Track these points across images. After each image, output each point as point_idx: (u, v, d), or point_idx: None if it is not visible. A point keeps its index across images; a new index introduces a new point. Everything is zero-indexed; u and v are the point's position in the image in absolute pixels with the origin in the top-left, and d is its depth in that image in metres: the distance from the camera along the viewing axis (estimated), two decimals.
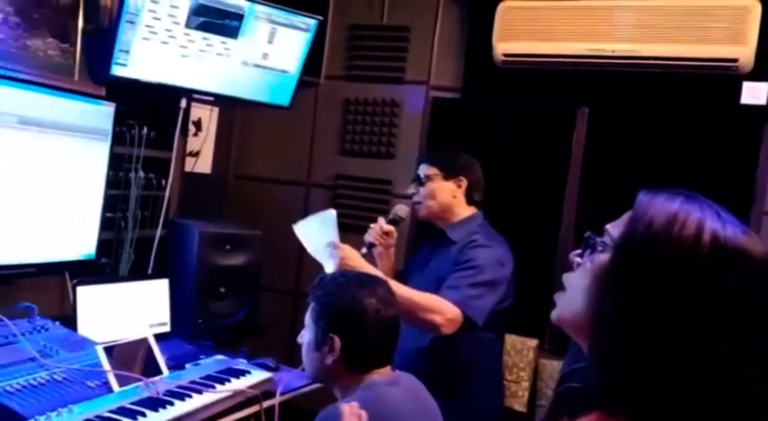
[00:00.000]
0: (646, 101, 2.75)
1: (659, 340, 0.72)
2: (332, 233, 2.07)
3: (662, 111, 2.74)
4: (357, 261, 2.01)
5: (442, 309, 1.96)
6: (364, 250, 2.20)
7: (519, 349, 2.81)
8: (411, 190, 2.27)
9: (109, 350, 1.88)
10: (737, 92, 2.60)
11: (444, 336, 1.99)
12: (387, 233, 2.23)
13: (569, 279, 0.88)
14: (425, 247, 2.38)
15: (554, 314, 0.89)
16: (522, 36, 2.81)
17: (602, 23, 2.70)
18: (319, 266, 3.27)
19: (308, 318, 1.50)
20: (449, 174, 2.21)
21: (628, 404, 0.73)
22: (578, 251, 0.90)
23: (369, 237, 2.23)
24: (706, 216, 0.75)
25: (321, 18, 2.66)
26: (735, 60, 2.53)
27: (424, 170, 2.24)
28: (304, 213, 3.38)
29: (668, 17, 2.61)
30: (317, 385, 2.20)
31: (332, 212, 2.15)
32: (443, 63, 3.10)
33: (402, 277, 2.29)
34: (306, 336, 1.49)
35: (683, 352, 0.72)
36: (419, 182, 2.24)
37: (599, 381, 0.76)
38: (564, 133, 2.87)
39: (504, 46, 2.83)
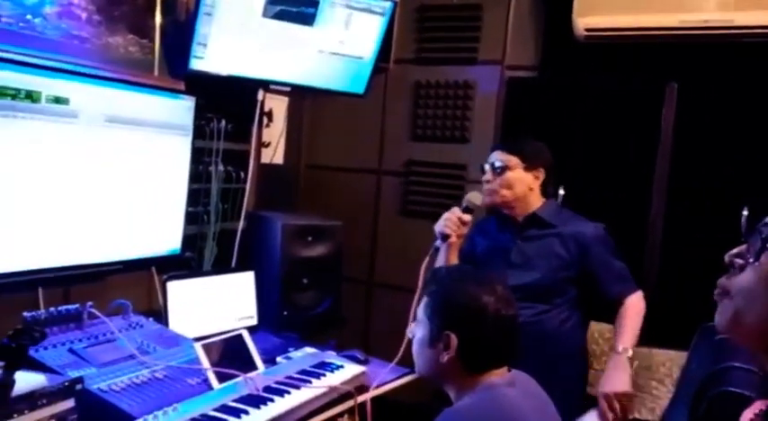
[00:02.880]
0: (740, 75, 2.58)
1: None
2: None
3: (759, 86, 2.57)
4: (618, 382, 2.01)
5: (636, 302, 2.12)
6: (438, 243, 2.13)
7: (607, 338, 2.71)
8: (487, 177, 2.18)
9: (205, 347, 1.87)
10: None
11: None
12: (464, 223, 2.13)
13: (736, 283, 0.81)
14: (491, 231, 2.28)
15: (721, 322, 0.83)
16: (604, 9, 2.67)
17: None
18: (394, 257, 3.25)
19: (420, 313, 1.44)
20: (529, 164, 2.15)
21: None
22: (736, 251, 0.83)
23: (445, 229, 2.11)
24: None
25: (396, 0, 2.58)
26: None
27: (502, 158, 2.16)
28: (376, 201, 3.37)
29: None
30: (407, 378, 2.17)
31: None
32: (518, 41, 2.99)
33: (467, 258, 2.23)
34: (418, 332, 1.43)
35: None
36: (495, 170, 2.16)
37: None
38: (651, 112, 2.71)
39: (585, 20, 2.69)
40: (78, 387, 1.54)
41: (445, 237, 2.12)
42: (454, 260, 2.20)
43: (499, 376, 1.36)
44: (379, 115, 3.32)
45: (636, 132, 2.75)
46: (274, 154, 3.10)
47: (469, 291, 1.36)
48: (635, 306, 2.11)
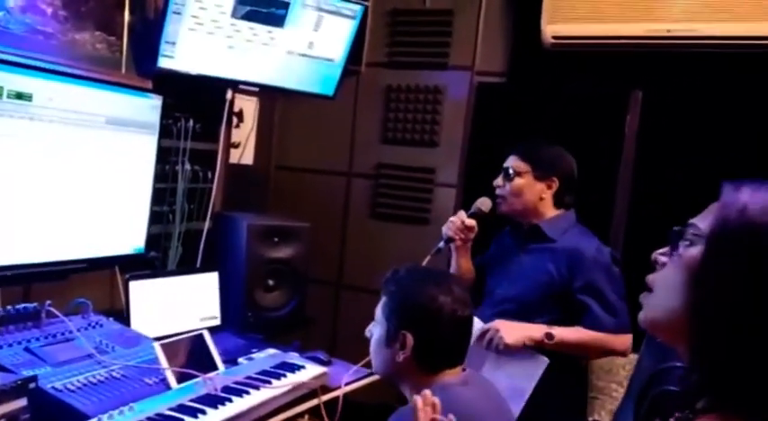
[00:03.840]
0: (703, 82, 2.64)
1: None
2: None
3: (720, 93, 2.63)
4: (517, 327, 1.90)
5: (616, 339, 1.95)
6: (441, 244, 2.13)
7: (607, 369, 2.71)
8: (498, 182, 2.12)
9: (165, 346, 1.86)
10: None
11: None
12: (468, 228, 2.10)
13: (657, 279, 0.85)
14: (504, 240, 2.25)
15: (643, 316, 0.87)
16: (572, 17, 2.71)
17: (657, 2, 2.60)
18: (363, 259, 3.26)
19: (378, 313, 1.45)
20: (541, 172, 2.07)
21: (741, 405, 0.70)
22: (663, 250, 0.86)
23: (448, 231, 2.12)
24: None
25: (367, 3, 2.60)
26: None
27: (514, 163, 2.09)
28: (345, 203, 3.38)
29: None
30: (369, 379, 2.18)
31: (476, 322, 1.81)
32: (488, 47, 3.02)
33: (480, 269, 2.23)
34: (376, 332, 1.45)
35: None
36: (507, 176, 2.09)
37: (706, 383, 0.73)
38: (616, 118, 2.77)
39: (553, 28, 2.74)
40: (31, 386, 1.53)
41: (448, 240, 2.12)
42: (466, 265, 2.18)
43: (453, 376, 1.38)
44: (351, 118, 3.33)
45: (601, 138, 2.79)
46: (243, 154, 3.09)
47: (426, 292, 1.38)
48: (605, 338, 1.94)
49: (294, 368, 2.04)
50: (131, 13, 2.32)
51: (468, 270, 2.20)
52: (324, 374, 2.04)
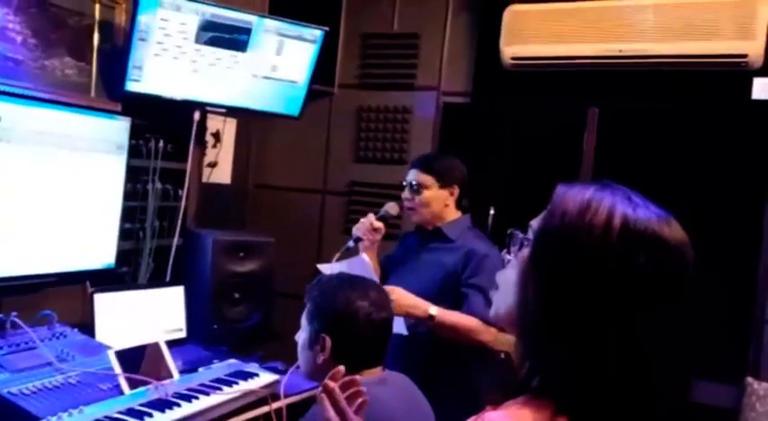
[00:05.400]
0: (656, 99, 2.74)
1: (578, 324, 0.74)
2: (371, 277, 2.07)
3: (673, 109, 2.72)
4: (409, 299, 2.07)
5: (486, 329, 2.09)
6: (351, 243, 2.29)
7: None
8: (406, 195, 2.30)
9: (122, 354, 1.95)
10: (748, 88, 2.57)
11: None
12: (375, 229, 2.29)
13: (500, 277, 0.90)
14: (408, 242, 2.44)
15: (491, 311, 0.92)
16: (529, 39, 2.83)
17: (609, 24, 2.71)
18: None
19: (303, 318, 1.55)
20: (443, 182, 2.27)
21: (552, 389, 0.76)
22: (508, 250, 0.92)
23: (357, 232, 2.30)
24: (617, 201, 0.77)
25: (327, 29, 2.72)
26: (744, 56, 2.51)
27: (418, 178, 2.27)
28: (320, 220, 3.48)
29: (675, 15, 2.61)
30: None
31: (364, 257, 2.24)
32: (453, 68, 3.14)
33: (384, 270, 2.38)
34: (301, 336, 1.54)
35: (601, 334, 0.73)
36: (413, 189, 2.28)
37: (525, 370, 0.79)
38: (574, 134, 2.87)
39: (511, 49, 2.85)
40: None
41: (357, 240, 2.29)
42: (373, 263, 2.32)
43: (370, 375, 1.46)
44: (325, 137, 3.45)
45: (561, 153, 2.90)
46: (217, 173, 3.20)
47: (343, 297, 1.47)
48: (478, 325, 2.08)
49: (247, 376, 2.12)
50: (100, 39, 2.45)
51: (374, 268, 2.33)
52: (275, 382, 2.11)
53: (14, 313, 2.06)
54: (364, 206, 3.32)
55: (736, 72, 2.56)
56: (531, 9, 2.83)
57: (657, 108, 2.74)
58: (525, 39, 2.83)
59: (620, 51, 2.68)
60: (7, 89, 2.12)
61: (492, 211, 2.93)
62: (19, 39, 2.20)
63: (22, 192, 2.16)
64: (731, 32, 2.52)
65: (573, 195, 0.81)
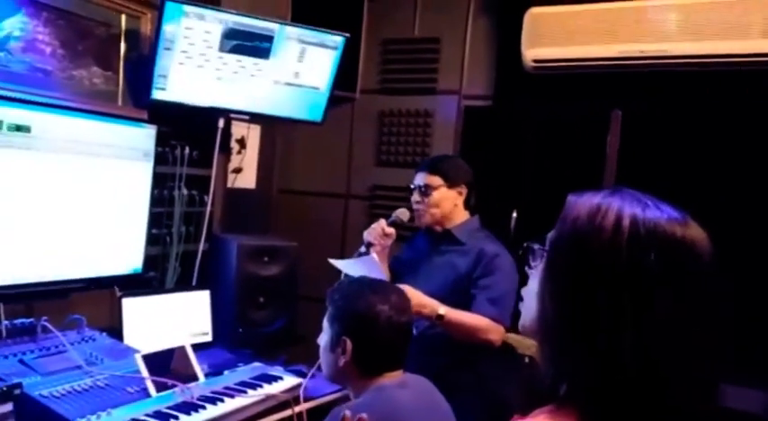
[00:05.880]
0: (680, 100, 2.71)
1: (595, 327, 0.74)
2: (380, 276, 2.12)
3: (697, 110, 2.69)
4: (419, 298, 2.06)
5: (493, 328, 2.12)
6: (363, 248, 2.31)
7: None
8: (415, 198, 2.33)
9: (149, 358, 1.99)
10: None
11: None
12: (387, 234, 2.31)
13: (524, 291, 0.91)
14: (418, 244, 2.45)
15: (519, 324, 0.93)
16: (550, 42, 2.81)
17: (630, 24, 2.68)
18: None
19: (325, 321, 1.57)
20: (452, 183, 2.29)
21: (575, 395, 0.76)
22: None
23: (368, 237, 2.32)
24: (626, 204, 0.78)
25: (348, 35, 2.75)
26: None
27: (426, 179, 2.30)
28: (343, 224, 3.51)
29: (699, 14, 2.57)
30: (345, 390, 2.27)
31: (374, 256, 2.25)
32: (474, 72, 3.14)
33: (394, 272, 2.39)
34: (323, 339, 1.56)
35: (617, 336, 0.73)
36: (423, 192, 2.30)
37: (550, 379, 0.79)
38: (597, 137, 2.84)
39: (533, 52, 2.84)
40: (17, 392, 1.67)
41: (368, 245, 2.30)
42: (383, 268, 2.33)
43: (392, 378, 1.47)
44: (347, 142, 3.48)
45: (583, 156, 2.87)
46: (242, 178, 3.25)
47: (365, 300, 1.49)
48: (486, 324, 2.10)
49: (272, 379, 2.15)
50: (127, 48, 2.51)
51: (384, 272, 2.33)
52: (299, 385, 2.14)
53: (45, 318, 2.11)
54: (387, 210, 3.31)
55: (763, 72, 2.52)
56: (552, 11, 2.82)
57: (681, 109, 2.71)
58: (546, 41, 2.82)
59: (642, 52, 2.66)
60: (37, 99, 2.17)
61: (514, 215, 2.93)
62: (48, 50, 2.26)
63: (52, 199, 2.21)
64: (759, 31, 2.48)
65: (583, 201, 0.82)
